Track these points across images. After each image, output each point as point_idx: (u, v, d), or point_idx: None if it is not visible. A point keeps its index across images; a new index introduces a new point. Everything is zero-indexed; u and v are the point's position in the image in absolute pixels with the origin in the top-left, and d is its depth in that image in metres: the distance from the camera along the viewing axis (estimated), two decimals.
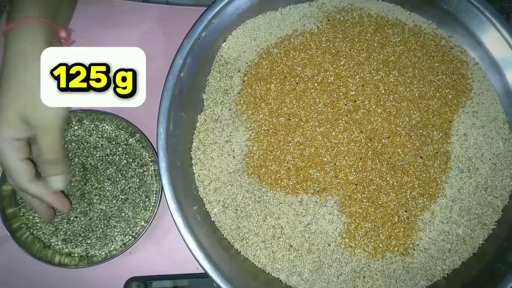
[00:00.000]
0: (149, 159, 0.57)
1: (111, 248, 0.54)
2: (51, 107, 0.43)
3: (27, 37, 0.43)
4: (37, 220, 0.54)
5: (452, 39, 0.58)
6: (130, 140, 0.57)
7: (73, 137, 0.56)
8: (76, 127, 0.56)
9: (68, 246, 0.54)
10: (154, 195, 0.56)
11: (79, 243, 0.54)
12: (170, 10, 0.64)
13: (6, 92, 0.42)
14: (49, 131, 0.44)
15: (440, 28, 0.59)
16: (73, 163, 0.55)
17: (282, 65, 0.55)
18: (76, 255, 0.54)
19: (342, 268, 0.50)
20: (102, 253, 0.54)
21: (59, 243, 0.54)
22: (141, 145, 0.57)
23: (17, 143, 0.43)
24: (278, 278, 0.51)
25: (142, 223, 0.55)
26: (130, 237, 0.55)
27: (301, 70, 0.55)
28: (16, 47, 0.42)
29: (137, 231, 0.55)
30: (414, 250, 0.51)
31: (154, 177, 0.56)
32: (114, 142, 0.57)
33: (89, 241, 0.54)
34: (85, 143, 0.56)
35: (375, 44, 0.56)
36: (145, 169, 0.56)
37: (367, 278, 0.50)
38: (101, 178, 0.55)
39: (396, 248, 0.51)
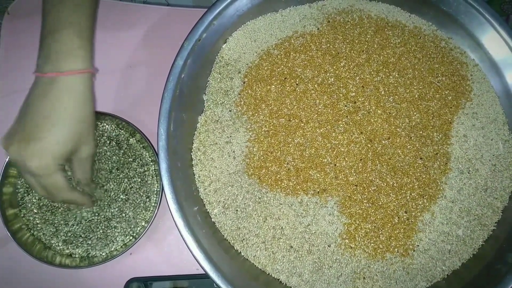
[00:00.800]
0: (150, 159, 0.57)
1: (112, 249, 0.54)
2: (94, 142, 0.51)
3: (88, 85, 0.48)
4: (37, 221, 0.54)
5: (452, 40, 0.58)
6: (131, 140, 0.57)
7: None
8: None
9: (69, 247, 0.54)
10: (155, 196, 0.56)
11: (79, 244, 0.54)
12: (170, 11, 0.64)
13: (66, 128, 0.46)
14: (92, 158, 0.52)
15: (440, 29, 0.59)
16: None
17: (282, 67, 0.55)
18: (77, 255, 0.54)
19: (342, 269, 0.50)
20: (103, 254, 0.54)
21: (60, 244, 0.54)
22: (141, 145, 0.57)
23: (61, 166, 0.48)
24: (278, 279, 0.51)
25: (143, 224, 0.55)
26: (131, 238, 0.55)
27: (301, 71, 0.55)
28: (80, 93, 0.47)
29: (137, 231, 0.55)
30: (414, 251, 0.51)
31: (155, 177, 0.56)
32: (115, 142, 0.57)
33: (89, 242, 0.54)
34: None
35: (375, 46, 0.57)
36: (145, 169, 0.56)
37: (367, 279, 0.50)
38: (105, 179, 0.55)
39: (396, 249, 0.51)
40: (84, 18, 0.50)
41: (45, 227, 0.54)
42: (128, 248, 0.53)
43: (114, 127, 0.57)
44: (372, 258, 0.51)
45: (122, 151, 0.56)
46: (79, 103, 0.47)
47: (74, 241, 0.54)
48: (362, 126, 0.53)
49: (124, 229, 0.55)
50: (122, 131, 0.57)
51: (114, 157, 0.56)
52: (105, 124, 0.57)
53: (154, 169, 0.56)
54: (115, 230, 0.55)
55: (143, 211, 0.55)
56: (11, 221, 0.53)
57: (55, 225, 0.54)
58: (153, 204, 0.56)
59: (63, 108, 0.46)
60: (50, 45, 0.47)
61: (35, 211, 0.55)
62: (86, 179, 0.53)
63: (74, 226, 0.54)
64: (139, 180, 0.56)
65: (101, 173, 0.56)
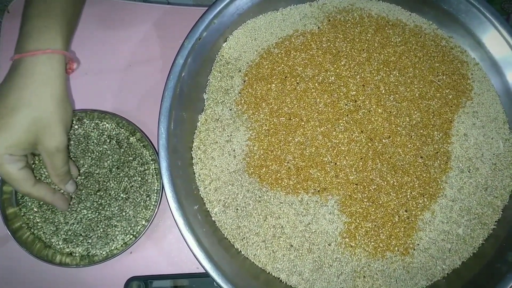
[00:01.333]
0: (150, 158, 0.57)
1: (112, 247, 0.54)
2: (64, 132, 0.46)
3: (52, 67, 0.44)
4: (37, 220, 0.54)
5: (452, 39, 0.58)
6: (131, 138, 0.57)
7: (73, 136, 0.56)
8: (76, 126, 0.57)
9: (69, 246, 0.54)
10: (155, 194, 0.56)
11: (80, 243, 0.54)
12: (171, 10, 0.64)
13: (19, 114, 0.42)
14: (61, 152, 0.47)
15: (440, 28, 0.59)
16: (78, 164, 0.55)
17: (283, 65, 0.55)
18: (77, 254, 0.54)
19: (342, 267, 0.50)
20: (103, 253, 0.54)
21: (60, 243, 0.54)
22: (141, 144, 0.57)
23: (17, 156, 0.44)
24: (279, 278, 0.51)
25: (143, 222, 0.55)
26: (131, 236, 0.55)
27: (302, 70, 0.55)
28: (40, 75, 0.43)
29: (138, 230, 0.55)
30: (414, 250, 0.51)
31: (155, 176, 0.56)
32: (115, 140, 0.57)
33: (90, 241, 0.54)
34: (87, 141, 0.56)
35: (376, 44, 0.57)
36: (145, 167, 0.56)
37: (367, 277, 0.50)
38: (105, 178, 0.55)
39: (396, 248, 0.51)
40: (58, 5, 0.47)
41: (45, 225, 0.54)
42: (128, 247, 0.53)
43: (114, 125, 0.57)
44: (372, 257, 0.51)
45: (122, 150, 0.56)
46: (40, 87, 0.43)
47: (74, 240, 0.54)
48: (363, 125, 0.53)
49: (125, 228, 0.55)
50: (122, 129, 0.57)
51: (115, 156, 0.56)
52: (105, 122, 0.57)
53: (154, 168, 0.56)
54: (116, 229, 0.55)
55: (143, 210, 0.55)
56: (11, 219, 0.53)
57: (55, 223, 0.54)
58: (153, 203, 0.56)
59: (19, 92, 0.42)
60: (21, 31, 0.45)
61: (35, 209, 0.54)
62: (58, 175, 0.48)
63: (74, 225, 0.54)
64: (139, 179, 0.56)
65: (101, 171, 0.55)
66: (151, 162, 0.56)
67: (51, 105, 0.44)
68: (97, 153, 0.56)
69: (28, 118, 0.43)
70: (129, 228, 0.55)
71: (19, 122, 0.42)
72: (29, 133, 0.43)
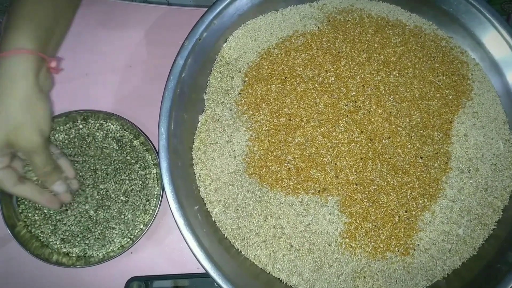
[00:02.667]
0: (152, 162, 0.57)
1: (109, 250, 0.54)
2: (37, 133, 0.45)
3: (17, 68, 0.44)
4: (36, 218, 0.54)
5: (452, 40, 0.58)
6: (135, 141, 0.57)
7: (77, 135, 0.56)
8: (81, 126, 0.57)
9: (66, 246, 0.54)
10: (155, 199, 0.56)
11: (77, 243, 0.54)
12: (171, 10, 0.64)
13: None
14: (38, 153, 0.46)
15: (440, 29, 0.59)
16: (79, 163, 0.55)
17: (283, 66, 0.55)
18: (73, 255, 0.54)
19: (342, 268, 0.50)
20: (100, 254, 0.54)
21: (58, 243, 0.54)
22: (144, 148, 0.57)
23: None
24: (279, 278, 0.51)
25: (141, 227, 0.55)
26: (128, 240, 0.55)
27: (302, 70, 0.55)
28: (5, 77, 0.43)
29: (135, 234, 0.55)
30: (414, 250, 0.51)
31: (156, 181, 0.56)
32: (119, 142, 0.57)
33: (87, 242, 0.54)
34: (90, 141, 0.56)
35: (376, 45, 0.57)
36: (147, 171, 0.56)
37: (367, 278, 0.50)
38: (106, 179, 0.55)
39: (396, 248, 0.51)
40: (42, 10, 0.47)
41: (44, 225, 0.54)
42: (125, 250, 0.53)
43: (119, 127, 0.57)
44: (373, 257, 0.51)
45: (125, 152, 0.56)
46: (4, 88, 0.43)
47: (71, 240, 0.54)
48: (363, 126, 0.53)
49: (122, 231, 0.55)
50: (127, 132, 0.57)
51: (117, 158, 0.56)
52: (110, 124, 0.57)
53: (156, 173, 0.56)
54: (113, 231, 0.54)
55: (142, 214, 0.55)
56: (10, 218, 0.52)
57: (53, 223, 0.54)
58: (152, 207, 0.56)
59: None
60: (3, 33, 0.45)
61: (34, 208, 0.54)
62: (41, 175, 0.49)
63: (73, 226, 0.54)
64: (140, 182, 0.56)
65: (103, 172, 0.55)
66: (153, 166, 0.56)
67: (15, 106, 0.44)
68: (100, 154, 0.56)
69: (3, 119, 0.43)
70: (127, 231, 0.55)
71: None
72: (4, 135, 0.43)
